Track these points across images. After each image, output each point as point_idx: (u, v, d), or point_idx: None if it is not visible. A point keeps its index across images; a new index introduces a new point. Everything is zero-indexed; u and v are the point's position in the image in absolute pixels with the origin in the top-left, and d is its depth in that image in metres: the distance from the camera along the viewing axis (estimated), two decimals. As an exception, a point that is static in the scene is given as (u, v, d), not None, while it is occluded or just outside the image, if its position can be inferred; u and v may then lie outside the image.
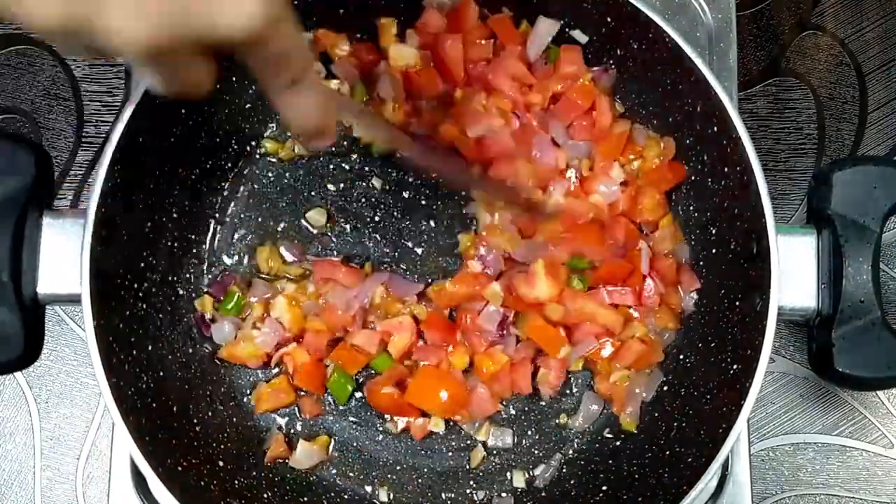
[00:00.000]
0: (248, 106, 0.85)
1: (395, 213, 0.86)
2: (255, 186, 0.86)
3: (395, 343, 0.82)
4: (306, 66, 0.53)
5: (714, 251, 0.80)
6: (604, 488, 0.79)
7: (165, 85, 0.49)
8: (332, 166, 0.86)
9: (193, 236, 0.84)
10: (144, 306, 0.77)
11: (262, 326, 0.82)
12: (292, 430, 0.83)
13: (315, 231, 0.86)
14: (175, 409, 0.77)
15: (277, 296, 0.83)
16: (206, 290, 0.84)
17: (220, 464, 0.78)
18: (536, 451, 0.84)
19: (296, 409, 0.83)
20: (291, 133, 0.55)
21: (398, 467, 0.83)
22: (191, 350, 0.82)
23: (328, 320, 0.82)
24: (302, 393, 0.83)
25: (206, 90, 0.50)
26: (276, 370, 0.84)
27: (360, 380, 0.84)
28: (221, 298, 0.83)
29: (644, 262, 0.81)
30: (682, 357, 0.82)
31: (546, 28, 0.83)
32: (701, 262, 0.82)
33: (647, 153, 0.83)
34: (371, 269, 0.85)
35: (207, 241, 0.85)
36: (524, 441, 0.84)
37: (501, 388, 0.82)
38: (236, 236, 0.86)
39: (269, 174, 0.86)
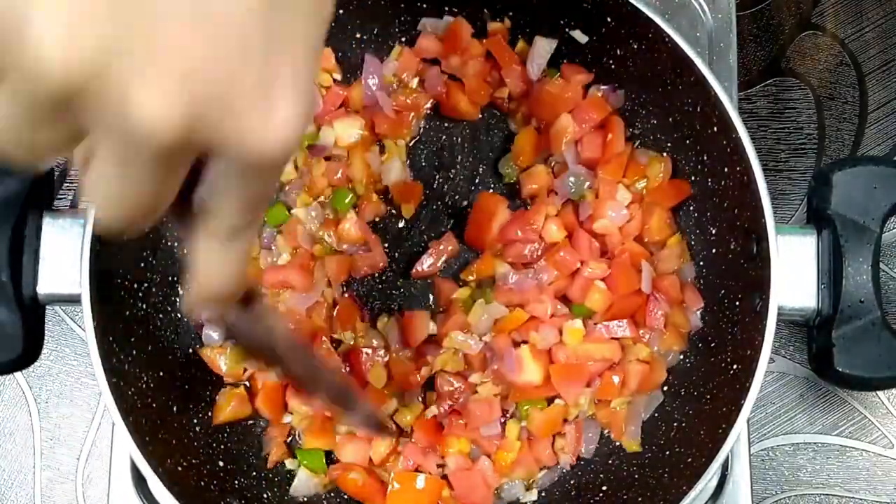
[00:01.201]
0: (248, 106, 0.85)
1: (393, 212, 0.86)
2: (255, 186, 0.86)
3: (376, 448, 0.79)
4: (260, 215, 0.41)
5: (714, 251, 0.80)
6: (604, 488, 0.79)
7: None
8: (332, 166, 0.86)
9: (193, 236, 0.84)
10: (144, 306, 0.77)
11: None
12: (293, 433, 0.83)
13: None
14: (175, 409, 0.77)
15: None
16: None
17: (220, 464, 0.78)
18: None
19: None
20: (192, 287, 0.42)
21: (398, 467, 0.83)
22: (191, 350, 0.82)
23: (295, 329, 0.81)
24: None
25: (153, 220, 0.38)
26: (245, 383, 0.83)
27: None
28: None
29: (646, 282, 0.79)
30: (682, 357, 0.81)
31: (544, 47, 0.83)
32: (701, 263, 0.82)
33: (650, 172, 0.82)
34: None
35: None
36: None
37: (528, 471, 0.80)
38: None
39: (269, 174, 0.86)
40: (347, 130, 0.84)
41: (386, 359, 0.81)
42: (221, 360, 0.81)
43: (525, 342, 0.80)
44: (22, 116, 0.32)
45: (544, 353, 0.79)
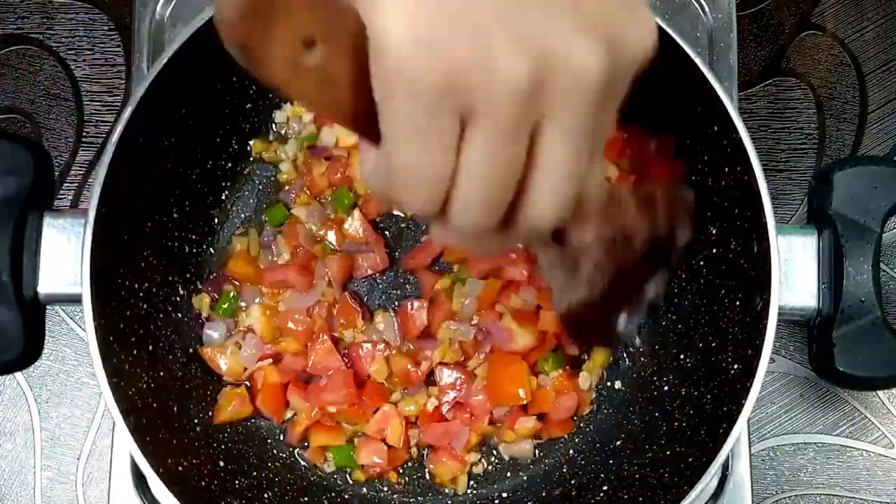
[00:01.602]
0: (248, 106, 0.85)
1: (394, 212, 0.86)
2: (258, 186, 0.86)
3: (391, 433, 0.81)
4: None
5: (714, 251, 0.80)
6: (604, 488, 0.79)
7: None
8: (332, 166, 0.86)
9: (194, 236, 0.84)
10: (144, 306, 0.77)
11: (243, 343, 0.81)
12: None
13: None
14: (175, 409, 0.77)
15: (253, 303, 0.83)
16: (200, 287, 0.84)
17: (221, 464, 0.78)
18: (537, 453, 0.84)
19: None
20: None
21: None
22: (191, 350, 0.82)
23: (293, 332, 0.81)
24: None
25: None
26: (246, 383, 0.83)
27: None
28: (217, 297, 0.83)
29: None
30: (682, 357, 0.81)
31: None
32: (701, 262, 0.82)
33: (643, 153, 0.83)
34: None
35: (208, 241, 0.85)
36: (524, 441, 0.84)
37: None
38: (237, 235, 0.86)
39: (270, 174, 0.86)
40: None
41: (386, 353, 0.82)
42: (221, 360, 0.81)
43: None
44: (499, 146, 0.40)
45: (531, 315, 0.80)
